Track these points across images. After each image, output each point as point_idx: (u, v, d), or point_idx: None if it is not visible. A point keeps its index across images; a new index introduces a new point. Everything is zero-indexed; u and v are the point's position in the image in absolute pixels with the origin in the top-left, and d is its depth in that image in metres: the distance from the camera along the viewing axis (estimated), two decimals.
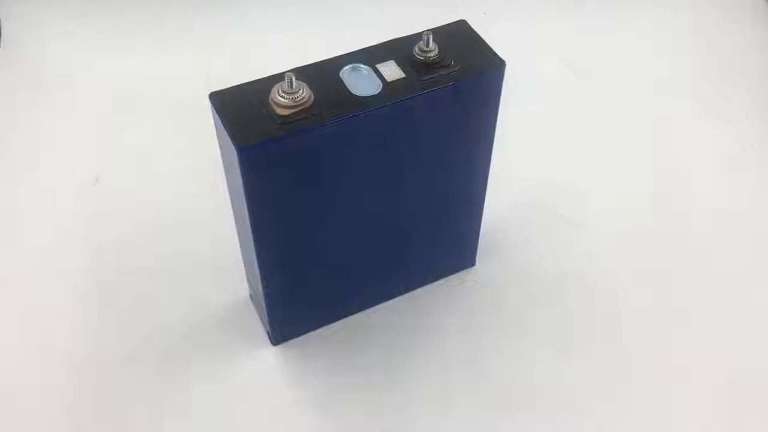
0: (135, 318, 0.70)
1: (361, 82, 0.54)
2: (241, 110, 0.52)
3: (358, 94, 0.54)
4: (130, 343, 0.68)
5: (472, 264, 0.73)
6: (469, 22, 0.59)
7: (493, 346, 0.68)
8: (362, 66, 0.55)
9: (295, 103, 0.52)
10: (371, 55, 0.56)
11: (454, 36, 0.58)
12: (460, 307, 0.71)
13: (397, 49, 0.57)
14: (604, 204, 0.80)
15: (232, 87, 0.54)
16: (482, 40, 0.58)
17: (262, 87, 0.53)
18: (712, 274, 0.74)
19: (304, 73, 0.54)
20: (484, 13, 1.00)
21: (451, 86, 0.55)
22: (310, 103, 0.52)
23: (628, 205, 0.80)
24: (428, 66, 0.55)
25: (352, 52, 0.56)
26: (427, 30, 0.55)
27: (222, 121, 0.52)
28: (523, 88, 0.91)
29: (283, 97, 0.52)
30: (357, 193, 0.58)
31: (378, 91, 0.54)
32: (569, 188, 0.81)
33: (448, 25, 0.59)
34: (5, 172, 0.83)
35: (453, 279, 0.72)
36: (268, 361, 0.67)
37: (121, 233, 0.76)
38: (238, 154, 0.50)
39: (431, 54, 0.55)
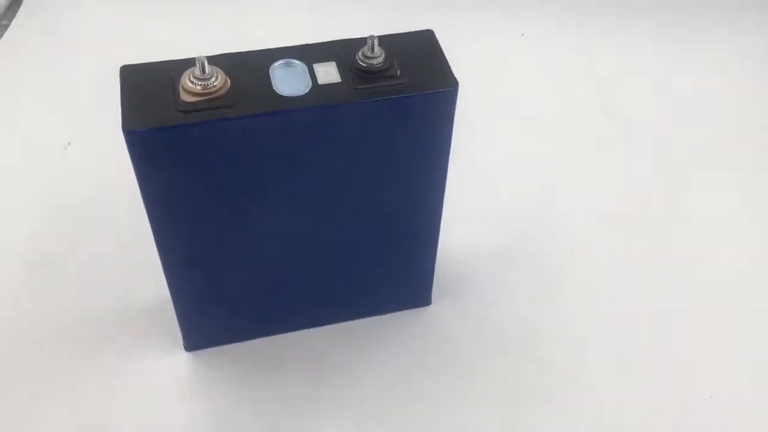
0: (57, 297, 0.66)
1: (289, 80, 0.48)
2: (147, 90, 0.47)
3: (279, 91, 0.47)
4: (43, 323, 0.64)
5: (428, 303, 0.66)
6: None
7: (427, 396, 0.60)
8: (297, 62, 0.49)
9: (205, 91, 0.46)
10: (314, 53, 0.50)
11: (412, 46, 0.51)
12: (402, 348, 0.63)
13: (347, 50, 0.50)
14: (581, 249, 0.71)
15: (147, 63, 0.49)
16: (443, 54, 0.51)
17: (179, 68, 0.48)
18: (686, 346, 0.64)
19: (232, 60, 0.49)
20: (522, 34, 0.92)
21: (389, 100, 0.48)
22: (222, 93, 0.47)
23: (609, 253, 0.71)
24: (369, 74, 0.49)
25: (293, 46, 0.50)
26: (373, 35, 0.49)
27: (121, 98, 0.47)
28: (524, 115, 0.84)
29: (193, 83, 0.46)
30: (278, 201, 0.52)
31: (303, 93, 0.48)
32: (545, 229, 0.72)
33: (411, 33, 0.52)
34: None
35: (402, 316, 0.65)
36: (177, 367, 0.61)
37: (72, 204, 0.72)
38: (125, 137, 0.45)
39: (375, 61, 0.49)
